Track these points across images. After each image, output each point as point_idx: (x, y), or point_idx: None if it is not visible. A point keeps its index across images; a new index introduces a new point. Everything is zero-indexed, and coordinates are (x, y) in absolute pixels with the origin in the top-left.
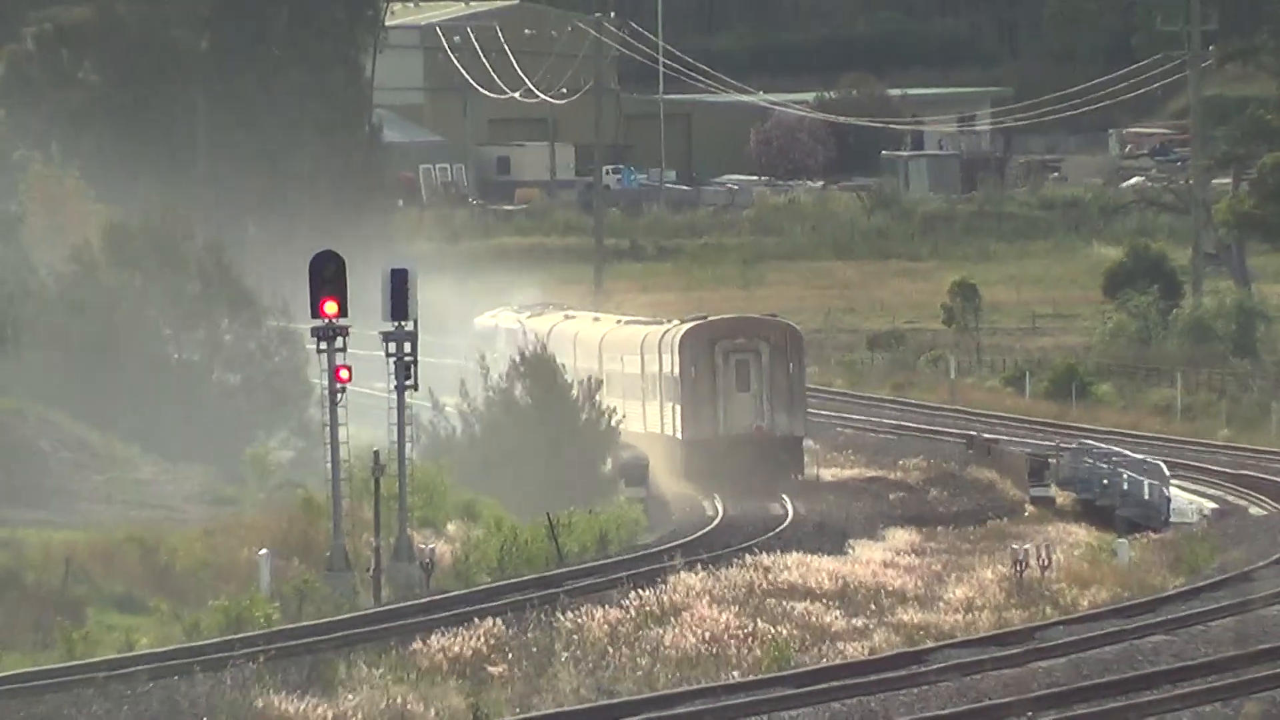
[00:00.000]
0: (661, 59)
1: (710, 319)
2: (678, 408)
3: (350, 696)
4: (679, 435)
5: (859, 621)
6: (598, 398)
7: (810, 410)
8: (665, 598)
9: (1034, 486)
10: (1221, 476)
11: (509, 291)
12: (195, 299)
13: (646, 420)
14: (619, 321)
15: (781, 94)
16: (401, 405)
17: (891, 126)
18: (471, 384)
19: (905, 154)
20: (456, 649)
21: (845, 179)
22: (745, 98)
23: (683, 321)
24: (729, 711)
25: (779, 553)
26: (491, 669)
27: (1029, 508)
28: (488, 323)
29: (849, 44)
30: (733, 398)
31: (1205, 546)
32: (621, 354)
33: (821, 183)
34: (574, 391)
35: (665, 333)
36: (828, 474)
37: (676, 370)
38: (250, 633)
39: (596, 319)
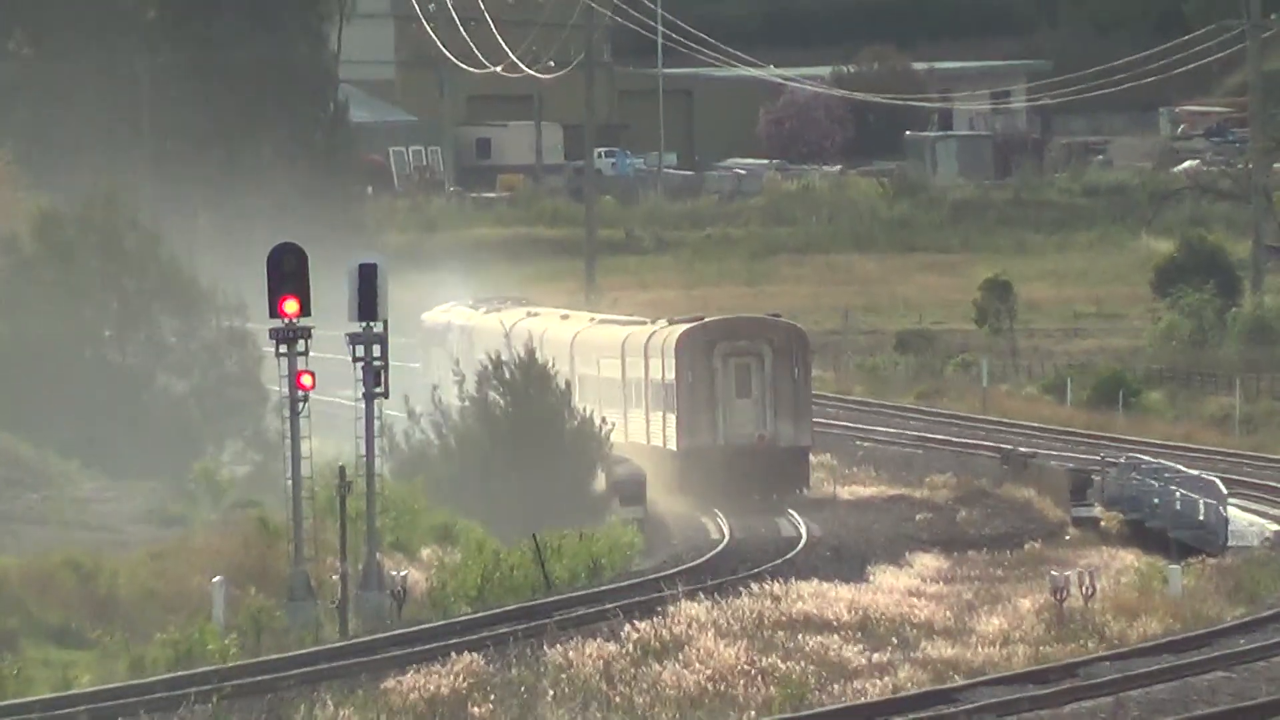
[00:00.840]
0: (660, 28)
1: (706, 319)
2: (671, 416)
3: None
4: (673, 446)
5: (881, 657)
6: (584, 405)
7: (828, 421)
8: (665, 630)
9: (1076, 506)
10: None
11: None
12: (138, 296)
13: (629, 429)
14: (592, 320)
15: (795, 68)
16: (370, 415)
17: (917, 104)
18: (443, 391)
19: (932, 135)
20: (433, 687)
21: (865, 163)
22: (754, 72)
23: (671, 321)
24: None
25: (792, 580)
26: (475, 709)
27: (1070, 530)
28: (438, 319)
29: (870, 12)
30: (732, 405)
31: (1267, 573)
32: (598, 356)
33: (839, 167)
34: (558, 399)
35: (652, 334)
36: (845, 492)
37: (671, 375)
38: (203, 669)
39: (565, 316)
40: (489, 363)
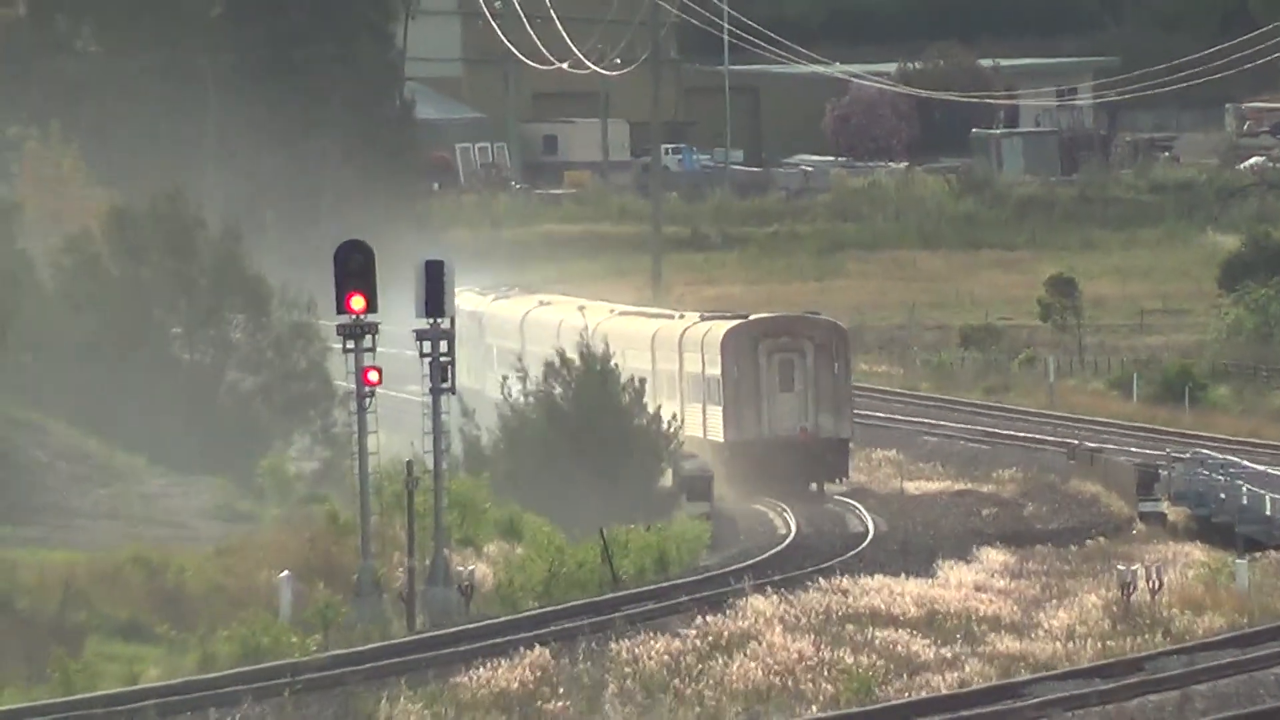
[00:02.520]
0: (726, 25)
1: (751, 317)
2: (714, 409)
3: None
4: (719, 438)
5: (948, 651)
6: (658, 401)
7: (894, 416)
8: (732, 625)
9: (1143, 501)
10: None
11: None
12: (206, 293)
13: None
14: (612, 311)
15: (860, 64)
16: (437, 411)
17: (983, 101)
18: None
19: (998, 132)
20: (501, 682)
21: (931, 160)
22: (819, 68)
23: (705, 317)
24: None
25: (859, 575)
26: (543, 704)
27: (1137, 524)
28: (464, 307)
29: (936, 8)
30: (776, 399)
31: None
32: (623, 348)
33: (905, 164)
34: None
35: (687, 329)
36: (912, 487)
37: (714, 370)
38: (272, 663)
39: (582, 307)
40: (555, 358)
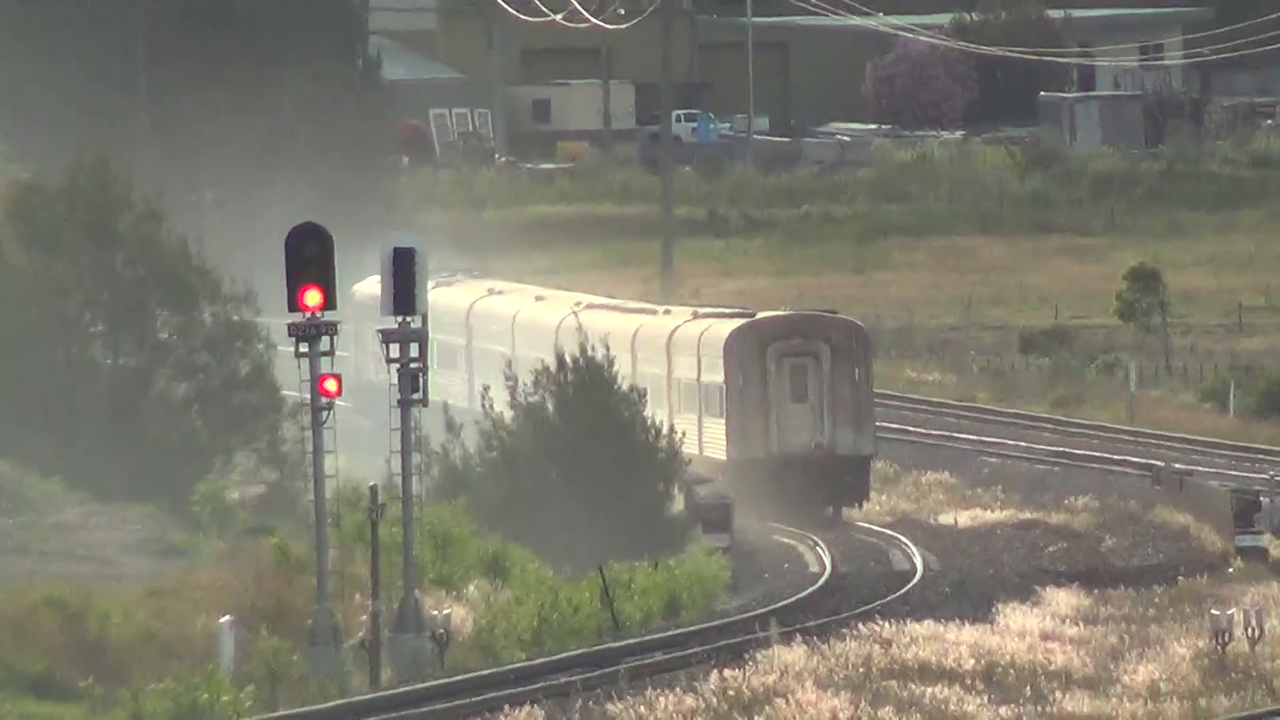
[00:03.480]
0: None
1: (757, 315)
2: (712, 421)
3: None
4: (723, 456)
5: (1010, 711)
6: (650, 413)
7: (946, 433)
8: (755, 680)
9: (1241, 533)
10: None
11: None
12: (133, 286)
13: None
14: (579, 305)
15: (908, 16)
16: (407, 426)
17: (1054, 59)
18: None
19: (1071, 96)
20: None
21: (992, 128)
22: (860, 21)
23: (698, 315)
24: None
25: (905, 620)
26: None
27: (1234, 561)
28: (371, 291)
29: None
30: (787, 410)
31: None
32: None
33: (961, 133)
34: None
35: (678, 327)
36: (967, 517)
37: (719, 376)
38: None
39: (540, 298)
40: (543, 364)
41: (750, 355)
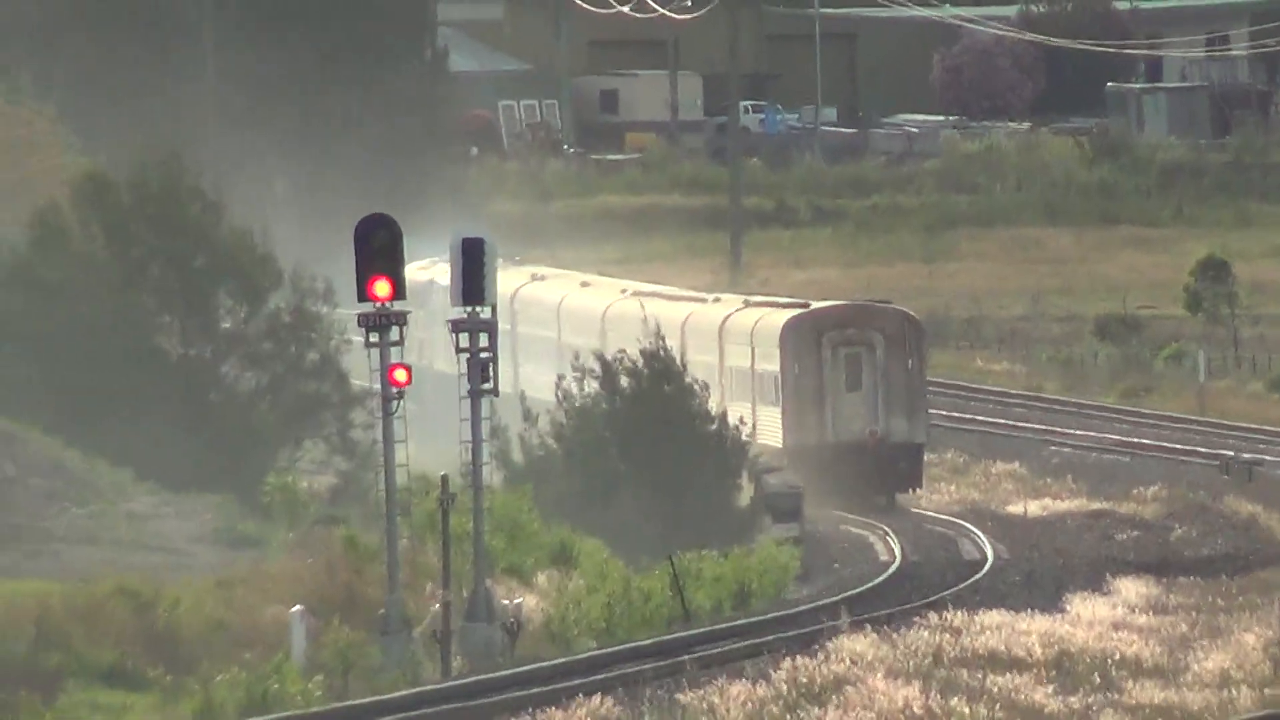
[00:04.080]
0: None
1: (812, 305)
2: (774, 410)
3: None
4: (778, 443)
5: (1079, 700)
6: (715, 402)
7: (1015, 424)
8: (825, 669)
9: None
10: None
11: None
12: (202, 277)
13: None
14: (624, 292)
15: (975, 7)
16: (477, 416)
17: (1120, 50)
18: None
19: (1138, 87)
20: None
21: (1059, 119)
22: (927, 12)
23: (749, 304)
24: None
25: (974, 610)
26: None
27: None
28: (417, 277)
29: None
30: (842, 399)
31: None
32: (641, 335)
33: (1028, 124)
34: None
35: (729, 315)
36: (1037, 507)
37: (773, 366)
38: (280, 714)
39: (586, 284)
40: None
41: (805, 345)
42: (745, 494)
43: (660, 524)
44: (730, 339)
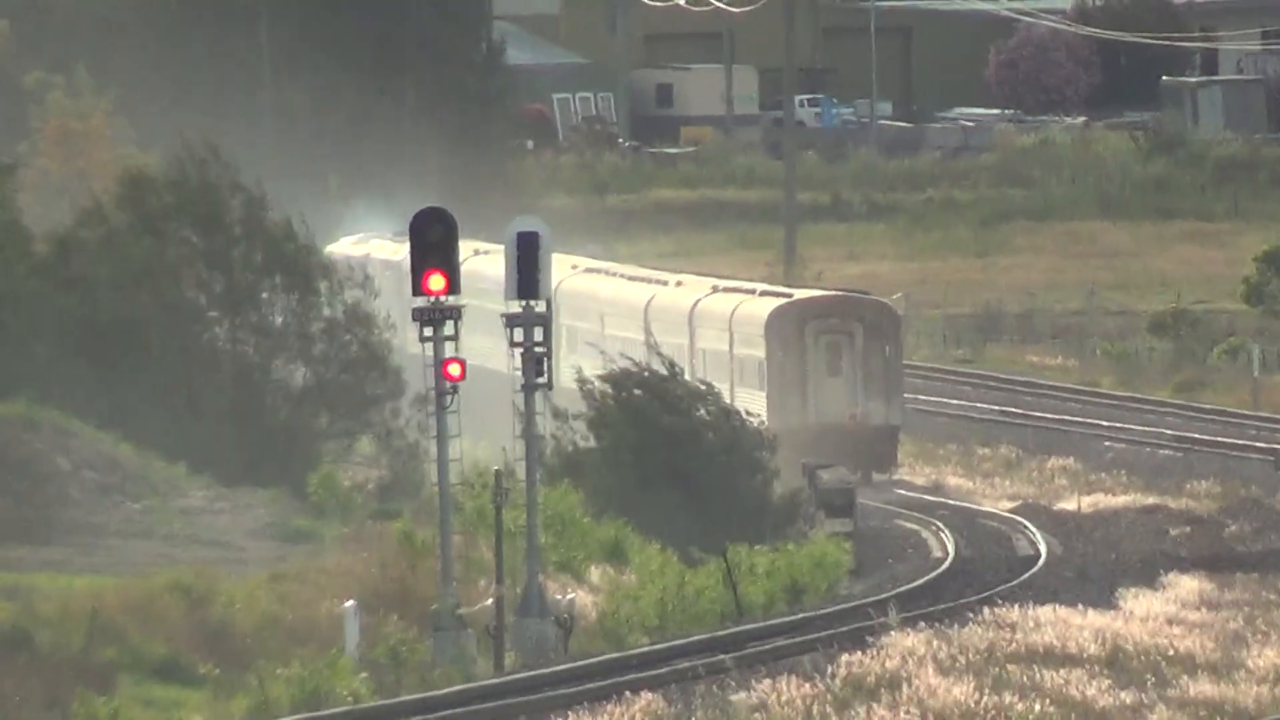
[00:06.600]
0: None
1: (795, 295)
2: (758, 394)
3: None
4: (762, 425)
5: (1133, 696)
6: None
7: (1068, 418)
8: (877, 665)
9: None
10: None
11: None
12: (248, 272)
13: None
14: (575, 269)
15: (1031, 1)
16: (531, 411)
17: (1176, 43)
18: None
19: (1194, 80)
20: None
21: (1114, 113)
22: (983, 5)
23: (717, 289)
24: None
25: (1028, 605)
26: None
27: None
28: (350, 252)
29: None
30: (823, 383)
31: None
32: (601, 313)
33: (1083, 118)
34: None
35: (700, 300)
36: (1089, 502)
37: (757, 351)
38: (333, 710)
39: (575, 266)
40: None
41: (790, 333)
42: (776, 487)
43: (693, 523)
44: (701, 323)
